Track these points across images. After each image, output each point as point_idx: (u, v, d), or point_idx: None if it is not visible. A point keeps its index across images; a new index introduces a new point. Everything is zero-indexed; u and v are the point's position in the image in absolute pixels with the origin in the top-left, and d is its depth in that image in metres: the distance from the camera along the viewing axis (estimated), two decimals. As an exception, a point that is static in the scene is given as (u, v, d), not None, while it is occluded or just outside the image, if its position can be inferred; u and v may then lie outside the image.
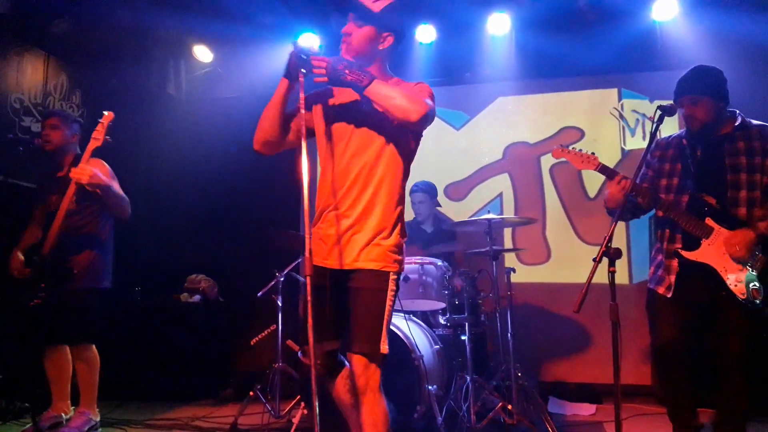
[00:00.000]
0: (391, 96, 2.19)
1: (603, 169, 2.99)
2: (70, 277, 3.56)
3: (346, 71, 2.18)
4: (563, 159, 3.14)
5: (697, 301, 2.90)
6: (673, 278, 2.94)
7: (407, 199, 4.64)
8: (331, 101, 2.43)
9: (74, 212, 3.59)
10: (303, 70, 2.22)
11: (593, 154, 3.05)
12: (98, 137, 3.52)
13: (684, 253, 2.90)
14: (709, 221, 2.86)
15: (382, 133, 2.33)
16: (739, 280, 2.77)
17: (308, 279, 2.00)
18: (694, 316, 2.93)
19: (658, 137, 3.09)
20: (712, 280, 2.83)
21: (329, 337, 2.31)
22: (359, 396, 2.23)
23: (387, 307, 2.27)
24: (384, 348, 2.23)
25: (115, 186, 3.72)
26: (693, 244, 2.90)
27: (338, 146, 2.36)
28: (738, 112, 3.01)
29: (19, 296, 3.54)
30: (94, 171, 3.47)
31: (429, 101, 2.28)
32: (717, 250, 2.83)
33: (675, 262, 2.95)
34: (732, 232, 2.81)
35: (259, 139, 2.43)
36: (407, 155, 2.41)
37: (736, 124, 2.96)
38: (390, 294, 2.28)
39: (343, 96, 2.41)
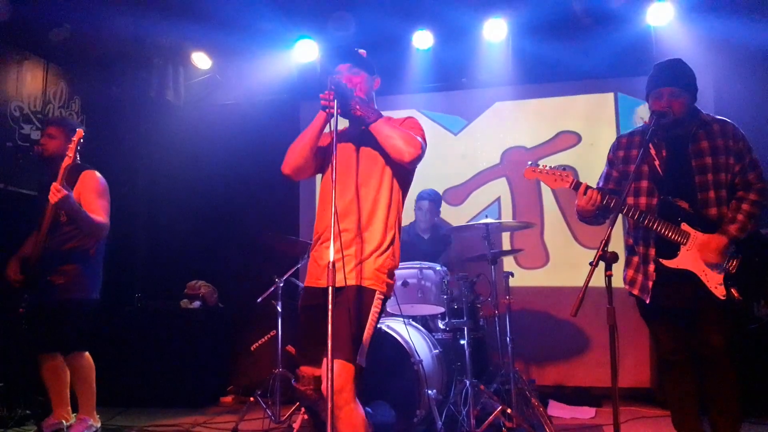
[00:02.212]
0: (391, 136, 2.45)
1: (577, 185, 2.95)
2: (50, 290, 3.55)
3: (357, 106, 2.46)
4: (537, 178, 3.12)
5: (678, 306, 2.90)
6: (650, 284, 2.94)
7: (410, 204, 4.71)
8: (335, 128, 2.51)
9: (63, 224, 3.59)
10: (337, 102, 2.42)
11: (565, 169, 3.03)
12: (70, 155, 3.49)
13: (665, 262, 2.89)
14: (684, 226, 2.84)
15: (384, 165, 2.52)
16: (718, 282, 2.79)
17: (330, 290, 2.08)
18: (680, 323, 2.95)
19: (627, 138, 3.09)
20: (692, 284, 2.83)
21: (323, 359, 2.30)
22: (335, 410, 2.19)
23: (369, 323, 2.35)
24: (360, 360, 2.29)
25: (99, 204, 3.68)
26: (669, 249, 2.88)
27: (342, 174, 2.47)
28: (698, 108, 2.97)
29: (9, 304, 3.58)
30: (63, 193, 3.41)
31: (422, 142, 2.51)
32: (695, 255, 2.83)
33: (652, 268, 2.95)
34: (705, 238, 2.81)
35: (293, 165, 2.58)
36: (406, 184, 2.63)
37: (698, 121, 2.94)
38: (374, 311, 2.38)
39: (349, 128, 2.63)
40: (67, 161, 3.48)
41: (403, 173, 2.59)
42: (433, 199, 4.76)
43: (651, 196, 2.94)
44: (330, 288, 2.09)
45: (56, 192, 3.41)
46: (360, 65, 2.63)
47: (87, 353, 3.77)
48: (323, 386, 2.31)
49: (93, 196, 3.68)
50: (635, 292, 3.02)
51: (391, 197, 2.51)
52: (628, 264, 3.10)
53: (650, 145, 2.95)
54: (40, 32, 4.87)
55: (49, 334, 3.63)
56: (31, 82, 4.90)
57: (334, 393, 2.20)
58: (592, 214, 2.92)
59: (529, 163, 3.10)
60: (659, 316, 2.99)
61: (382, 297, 2.42)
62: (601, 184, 3.14)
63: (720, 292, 2.78)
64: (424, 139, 2.56)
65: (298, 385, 2.43)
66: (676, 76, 2.92)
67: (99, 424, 3.84)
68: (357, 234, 2.43)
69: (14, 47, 4.77)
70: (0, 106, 4.60)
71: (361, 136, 2.56)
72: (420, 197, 4.74)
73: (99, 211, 3.66)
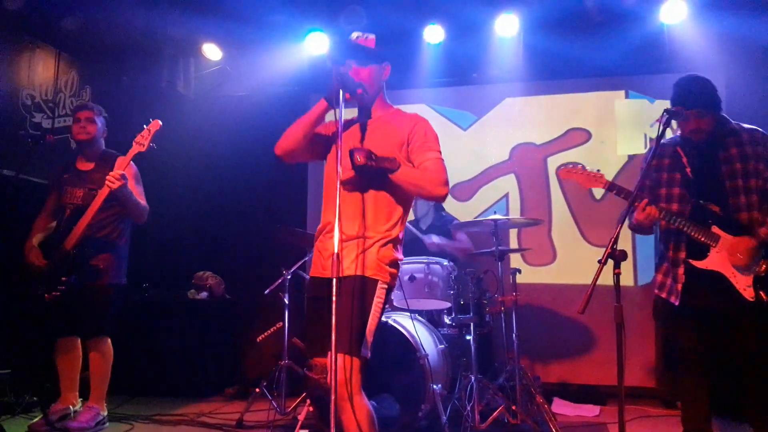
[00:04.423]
0: (418, 184, 2.42)
1: (611, 186, 3.03)
2: (93, 273, 3.66)
3: (372, 163, 2.33)
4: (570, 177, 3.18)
5: (707, 307, 2.95)
6: (679, 286, 3.00)
7: None
8: (341, 119, 2.50)
9: (98, 211, 3.63)
10: (346, 94, 2.33)
11: (599, 171, 3.11)
12: (143, 143, 3.58)
13: (694, 263, 2.97)
14: (715, 229, 2.93)
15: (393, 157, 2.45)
16: (747, 284, 2.86)
17: (335, 282, 2.07)
18: (706, 323, 2.99)
19: (659, 147, 3.08)
20: (721, 286, 2.90)
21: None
22: (340, 401, 2.22)
23: (373, 314, 2.34)
24: (365, 352, 2.29)
25: (138, 190, 3.80)
26: (700, 252, 2.97)
27: (347, 167, 2.42)
28: (726, 117, 3.07)
29: (33, 288, 3.60)
30: (123, 181, 3.52)
31: (443, 166, 2.48)
32: (724, 257, 2.91)
33: (681, 270, 3.01)
34: (735, 240, 2.88)
35: (285, 147, 2.53)
36: None
37: (727, 129, 3.02)
38: (378, 302, 2.36)
39: (356, 118, 2.58)
40: (139, 149, 3.56)
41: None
42: None
43: (683, 202, 3.04)
44: (334, 280, 2.08)
45: (116, 179, 3.48)
46: (366, 58, 2.54)
47: (109, 340, 3.84)
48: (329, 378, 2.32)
49: (132, 182, 3.78)
50: (663, 295, 3.08)
51: (397, 188, 2.46)
52: (657, 269, 3.17)
53: (682, 153, 3.07)
54: (53, 21, 4.89)
55: (78, 317, 3.68)
56: (42, 71, 4.93)
57: (339, 386, 2.22)
58: (647, 228, 3.03)
59: (564, 163, 3.16)
60: (686, 318, 3.03)
61: (386, 287, 2.40)
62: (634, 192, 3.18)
63: (749, 293, 2.84)
64: (439, 149, 2.52)
65: (311, 373, 2.42)
66: (698, 96, 2.98)
67: (106, 413, 3.88)
68: (361, 224, 2.41)
69: (26, 36, 4.79)
70: (12, 95, 4.62)
71: (368, 125, 2.53)
72: None
73: (140, 197, 3.81)
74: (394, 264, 2.46)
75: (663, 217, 2.91)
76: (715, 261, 2.92)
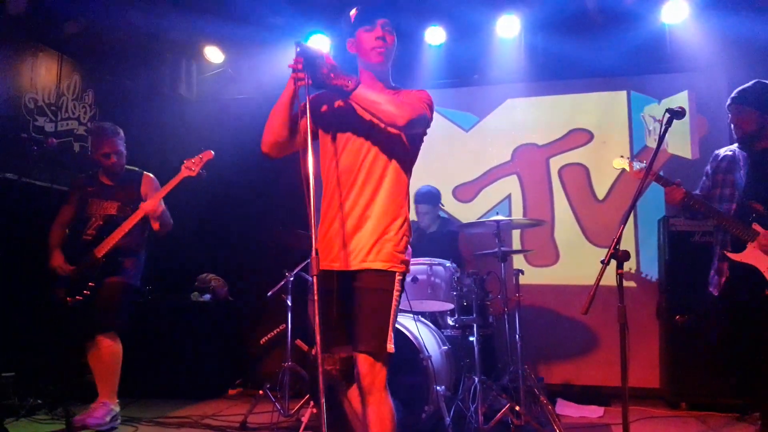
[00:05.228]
0: (377, 102, 2.21)
1: (658, 178, 3.30)
2: (116, 271, 3.82)
3: (331, 75, 2.16)
4: (623, 168, 3.43)
5: (741, 300, 3.20)
6: (723, 279, 3.26)
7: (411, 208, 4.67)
8: (333, 102, 2.45)
9: (119, 220, 3.85)
10: (307, 72, 2.18)
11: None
12: (193, 168, 3.84)
13: (730, 255, 3.21)
14: (755, 226, 3.14)
15: (380, 134, 2.34)
16: None
17: (315, 279, 2.01)
18: (740, 317, 3.24)
19: (721, 152, 3.43)
20: (756, 279, 3.12)
21: (341, 342, 2.31)
22: (365, 395, 2.23)
23: (393, 307, 2.27)
24: (390, 347, 2.24)
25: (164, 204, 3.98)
26: (740, 247, 3.20)
27: (340, 147, 2.37)
28: None
29: (57, 292, 3.75)
30: (162, 208, 3.84)
31: (420, 106, 2.29)
32: (758, 252, 3.13)
33: (725, 265, 3.26)
34: (766, 233, 3.12)
35: (268, 141, 2.41)
36: (406, 154, 2.42)
37: None
38: (396, 294, 2.29)
39: (337, 96, 2.41)
40: (188, 173, 3.84)
41: (400, 144, 2.38)
42: (429, 200, 4.71)
43: (731, 201, 3.28)
44: (315, 277, 2.00)
45: (158, 206, 3.81)
46: (392, 26, 2.40)
47: (118, 337, 3.90)
48: (355, 393, 2.31)
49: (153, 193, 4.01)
50: (710, 288, 3.33)
51: (396, 171, 2.36)
52: (712, 267, 3.41)
53: (740, 158, 3.34)
54: (55, 25, 4.90)
55: (97, 311, 3.75)
56: (45, 75, 4.93)
57: (364, 379, 2.21)
58: (681, 210, 3.38)
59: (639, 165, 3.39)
60: (722, 311, 3.33)
61: (402, 277, 2.32)
62: (698, 191, 3.47)
63: None
64: (429, 104, 2.36)
65: (330, 359, 2.37)
66: (741, 93, 3.26)
67: (118, 409, 3.89)
68: (365, 213, 2.31)
69: (29, 40, 4.79)
70: (14, 98, 4.63)
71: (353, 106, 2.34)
72: (416, 201, 4.68)
73: (166, 211, 4.02)
74: (406, 250, 2.37)
75: (687, 200, 3.18)
76: (750, 255, 3.14)
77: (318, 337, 1.96)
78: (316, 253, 2.02)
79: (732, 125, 3.30)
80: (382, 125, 2.28)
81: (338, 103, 2.44)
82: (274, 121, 2.39)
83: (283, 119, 2.36)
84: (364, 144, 2.35)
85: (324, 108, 2.46)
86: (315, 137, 2.45)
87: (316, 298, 2.00)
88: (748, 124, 3.20)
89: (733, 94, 3.29)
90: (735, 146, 3.39)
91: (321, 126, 2.45)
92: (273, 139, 2.40)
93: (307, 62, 2.16)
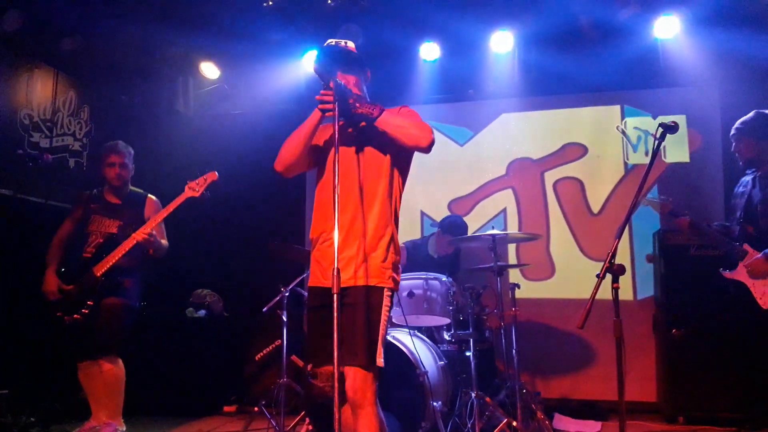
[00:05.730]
0: (403, 126, 2.42)
1: (670, 212, 3.80)
2: (116, 292, 3.77)
3: (357, 104, 2.39)
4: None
5: (738, 315, 3.61)
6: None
7: (426, 228, 4.63)
8: (332, 128, 2.51)
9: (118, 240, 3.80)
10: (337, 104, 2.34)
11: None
12: (196, 189, 3.81)
13: (723, 273, 3.62)
14: (746, 246, 3.55)
15: (386, 158, 2.50)
16: (764, 293, 3.42)
17: (336, 297, 2.08)
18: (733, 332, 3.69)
19: (744, 178, 3.76)
20: (745, 295, 3.51)
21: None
22: (355, 409, 2.27)
23: (382, 322, 2.34)
24: (379, 362, 2.29)
25: (160, 228, 3.96)
26: (734, 264, 3.60)
27: (336, 169, 2.40)
28: None
29: (52, 310, 3.69)
30: (154, 238, 3.75)
31: (427, 126, 2.49)
32: (745, 270, 3.52)
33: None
34: (757, 255, 3.47)
35: (285, 161, 2.54)
36: (406, 175, 2.61)
37: None
38: (385, 309, 2.36)
39: (345, 125, 2.56)
40: (192, 194, 3.80)
41: (404, 165, 2.58)
42: (455, 233, 4.55)
43: (735, 223, 3.71)
44: (335, 295, 2.08)
45: (148, 237, 3.72)
46: (352, 64, 2.58)
47: (119, 359, 3.87)
48: (340, 387, 2.30)
49: (159, 233, 3.97)
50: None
51: (392, 192, 2.49)
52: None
53: (751, 181, 3.69)
54: (51, 41, 4.92)
55: (98, 333, 3.70)
56: (41, 91, 4.94)
57: (354, 394, 2.25)
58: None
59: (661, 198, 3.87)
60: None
61: (391, 293, 2.40)
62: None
63: (764, 302, 3.42)
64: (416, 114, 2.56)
65: (316, 381, 2.43)
66: (742, 125, 3.68)
67: (125, 428, 3.85)
68: (360, 232, 2.40)
69: (25, 56, 4.81)
70: (10, 114, 4.63)
71: (359, 132, 2.53)
72: (443, 231, 4.61)
73: (164, 235, 4.01)
74: (396, 267, 2.46)
75: (692, 227, 3.66)
76: (740, 272, 3.54)
77: (336, 353, 2.05)
78: (338, 273, 2.12)
79: (736, 153, 3.72)
80: (404, 147, 2.46)
81: (343, 128, 2.55)
82: (294, 144, 2.52)
83: (304, 144, 2.52)
84: (369, 168, 2.48)
85: (327, 133, 2.59)
86: (320, 159, 2.61)
87: (336, 315, 2.08)
88: (747, 152, 3.62)
89: (735, 125, 3.70)
90: (748, 174, 3.76)
91: (325, 150, 2.58)
92: (291, 161, 2.55)
93: (339, 95, 2.34)
